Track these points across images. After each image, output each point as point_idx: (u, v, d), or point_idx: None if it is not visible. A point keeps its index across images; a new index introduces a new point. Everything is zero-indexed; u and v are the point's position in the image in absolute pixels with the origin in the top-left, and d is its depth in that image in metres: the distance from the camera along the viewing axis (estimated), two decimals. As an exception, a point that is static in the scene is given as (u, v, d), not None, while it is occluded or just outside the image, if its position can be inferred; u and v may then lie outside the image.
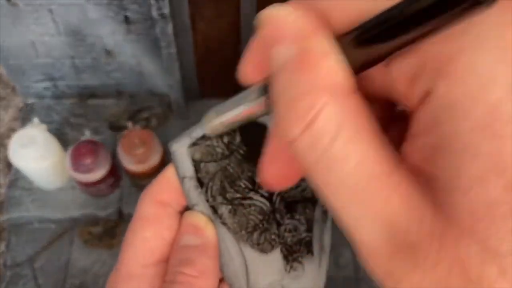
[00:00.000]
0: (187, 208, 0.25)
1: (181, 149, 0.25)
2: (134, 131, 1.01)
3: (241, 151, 0.25)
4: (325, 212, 0.27)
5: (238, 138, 0.25)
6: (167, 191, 0.25)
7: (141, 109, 1.16)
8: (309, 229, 0.26)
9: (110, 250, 1.04)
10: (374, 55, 0.15)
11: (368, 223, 0.15)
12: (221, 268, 0.25)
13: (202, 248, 0.24)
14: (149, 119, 1.15)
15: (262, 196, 0.25)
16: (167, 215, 0.25)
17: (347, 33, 0.16)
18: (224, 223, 0.25)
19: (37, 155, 0.95)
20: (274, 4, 0.17)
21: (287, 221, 0.26)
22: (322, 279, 0.26)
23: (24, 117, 1.15)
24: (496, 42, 0.13)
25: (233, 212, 0.25)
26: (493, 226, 0.13)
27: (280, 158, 0.20)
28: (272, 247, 0.25)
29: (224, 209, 0.25)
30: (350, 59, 0.15)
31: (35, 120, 1.00)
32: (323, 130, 0.15)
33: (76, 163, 0.96)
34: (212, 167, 0.25)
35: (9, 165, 1.12)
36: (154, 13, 0.87)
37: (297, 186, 0.26)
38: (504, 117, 0.13)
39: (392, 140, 0.16)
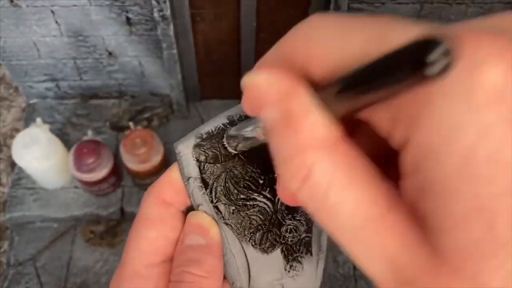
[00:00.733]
0: (190, 208, 0.26)
1: (186, 150, 0.25)
2: (135, 131, 1.01)
3: (245, 153, 0.25)
4: None
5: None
6: (170, 191, 0.25)
7: (143, 109, 1.17)
8: (309, 230, 0.26)
9: (112, 249, 1.05)
10: (356, 105, 0.16)
11: (373, 261, 0.16)
12: (223, 267, 0.25)
13: (207, 248, 0.24)
14: (150, 119, 1.16)
15: (265, 197, 0.26)
16: (171, 215, 0.25)
17: (328, 85, 0.16)
18: (227, 223, 0.25)
19: (40, 155, 0.95)
20: (253, 71, 0.18)
21: (288, 222, 0.26)
22: (319, 279, 0.27)
23: (27, 117, 1.16)
24: (462, 87, 0.13)
25: (237, 212, 0.25)
26: (483, 263, 0.13)
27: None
28: (274, 247, 0.25)
29: (227, 210, 0.25)
30: (333, 109, 0.16)
31: (38, 120, 1.01)
32: (317, 183, 0.16)
33: (79, 162, 0.97)
34: (216, 168, 0.25)
35: (12, 165, 1.13)
36: (156, 14, 0.88)
37: None
38: (478, 159, 0.13)
39: (394, 171, 0.17)
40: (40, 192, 1.07)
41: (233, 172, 0.25)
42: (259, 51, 1.05)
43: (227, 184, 0.25)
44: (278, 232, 0.26)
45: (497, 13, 0.15)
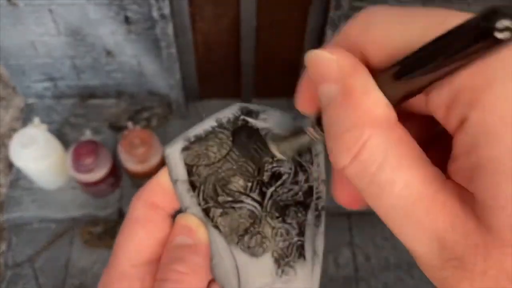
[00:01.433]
0: (179, 212, 0.26)
1: (174, 152, 0.25)
2: (134, 131, 1.01)
3: (233, 155, 0.26)
4: (318, 216, 0.27)
5: (230, 143, 0.26)
6: (158, 194, 0.25)
7: (141, 109, 1.16)
8: (301, 233, 0.26)
9: (110, 250, 1.03)
10: (412, 88, 0.16)
11: (420, 239, 0.16)
12: (213, 270, 0.25)
13: (193, 247, 0.24)
14: (149, 119, 1.15)
15: (253, 199, 0.25)
16: (158, 217, 0.25)
17: (386, 69, 0.17)
18: (215, 226, 0.25)
19: (37, 155, 0.95)
20: (320, 49, 0.19)
21: (278, 225, 0.26)
22: (315, 284, 0.26)
23: (25, 117, 1.15)
24: None
25: (225, 215, 0.25)
26: None
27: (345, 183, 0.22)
28: (263, 251, 0.25)
29: (215, 212, 0.25)
30: (390, 93, 0.17)
31: (36, 120, 1.01)
32: (370, 159, 0.16)
33: (77, 163, 0.96)
34: (204, 170, 0.25)
35: (10, 165, 1.13)
36: (155, 13, 0.87)
37: (289, 190, 0.26)
38: None
39: (437, 157, 0.17)
40: (38, 192, 1.06)
41: (221, 175, 0.25)
42: (259, 51, 1.05)
43: (214, 187, 0.25)
44: (267, 236, 0.25)
45: None
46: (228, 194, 0.25)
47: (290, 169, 0.26)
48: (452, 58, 0.15)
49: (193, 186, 0.25)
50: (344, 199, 0.22)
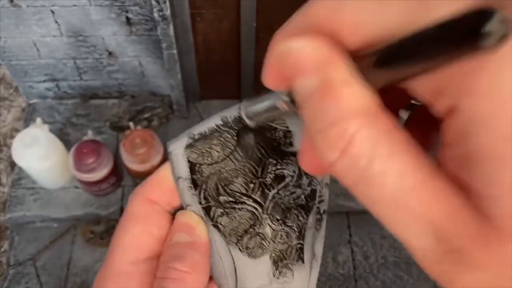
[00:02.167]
0: (180, 209, 0.25)
1: (178, 149, 0.25)
2: (135, 131, 1.01)
3: (237, 155, 0.25)
4: (319, 220, 0.26)
5: (234, 142, 0.25)
6: (157, 191, 0.25)
7: (143, 109, 1.17)
8: (301, 237, 0.26)
9: (112, 249, 1.05)
10: (395, 77, 0.16)
11: (415, 230, 0.15)
12: (210, 268, 0.25)
13: (193, 245, 0.24)
14: (150, 119, 1.16)
15: (255, 201, 0.25)
16: (156, 213, 0.25)
17: (365, 55, 0.16)
18: (215, 225, 0.25)
19: (40, 155, 0.95)
20: (290, 38, 0.17)
21: (279, 228, 0.25)
22: (312, 287, 0.26)
23: (27, 117, 1.16)
24: None
25: (225, 215, 0.25)
26: None
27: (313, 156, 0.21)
28: (262, 252, 0.25)
29: (216, 212, 0.25)
30: (371, 79, 0.16)
31: (38, 120, 1.01)
32: (359, 153, 0.15)
33: (79, 162, 0.97)
34: (207, 169, 0.25)
35: (12, 165, 1.13)
36: (156, 14, 0.88)
37: (292, 193, 0.26)
38: None
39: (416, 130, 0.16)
40: (40, 192, 1.07)
41: (224, 175, 0.25)
42: (259, 51, 1.05)
43: (216, 186, 0.25)
44: (267, 237, 0.25)
45: None
46: (229, 195, 0.25)
47: (294, 171, 0.26)
48: (438, 55, 0.14)
49: (195, 184, 0.25)
50: (311, 167, 0.21)
